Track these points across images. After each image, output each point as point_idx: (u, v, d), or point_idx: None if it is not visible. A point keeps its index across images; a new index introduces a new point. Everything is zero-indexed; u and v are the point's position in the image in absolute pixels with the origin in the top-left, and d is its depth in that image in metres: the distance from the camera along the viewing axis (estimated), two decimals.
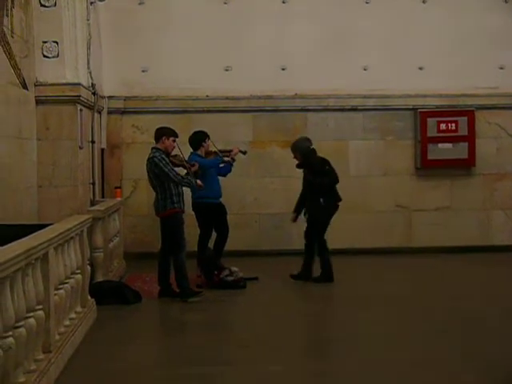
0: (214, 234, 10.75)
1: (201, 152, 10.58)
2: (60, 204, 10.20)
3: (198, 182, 9.58)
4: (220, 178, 10.90)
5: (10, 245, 5.61)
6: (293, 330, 7.97)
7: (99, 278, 9.46)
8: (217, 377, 6.34)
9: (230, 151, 10.77)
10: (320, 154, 13.04)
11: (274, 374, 6.36)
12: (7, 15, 9.05)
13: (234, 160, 10.74)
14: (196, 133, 10.79)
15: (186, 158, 9.96)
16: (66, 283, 7.06)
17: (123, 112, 12.95)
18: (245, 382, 6.27)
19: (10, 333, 5.05)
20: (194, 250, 10.48)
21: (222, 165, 10.75)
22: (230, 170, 10.89)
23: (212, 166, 10.49)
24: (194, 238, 10.62)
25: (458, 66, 13.04)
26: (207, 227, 10.66)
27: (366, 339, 7.50)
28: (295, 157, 10.87)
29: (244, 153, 10.99)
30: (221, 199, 10.72)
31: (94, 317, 8.27)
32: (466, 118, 13.18)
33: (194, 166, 9.72)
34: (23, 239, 6.00)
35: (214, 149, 10.71)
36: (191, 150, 10.51)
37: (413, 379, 6.25)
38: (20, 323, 5.28)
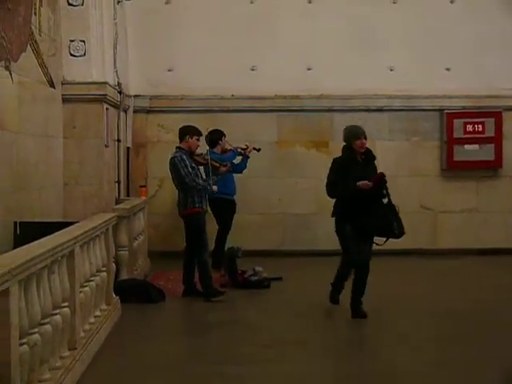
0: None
1: (217, 150, 10.81)
2: (85, 202, 10.24)
3: (214, 187, 9.53)
4: (241, 176, 11.05)
5: (36, 242, 5.64)
6: (317, 330, 7.94)
7: (124, 276, 9.49)
8: (241, 376, 6.32)
9: (246, 148, 10.94)
10: None
11: (299, 375, 6.34)
12: (35, 14, 9.10)
13: (248, 157, 10.89)
14: (212, 131, 11.01)
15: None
16: (92, 281, 7.09)
17: (149, 111, 12.99)
18: (269, 381, 6.26)
19: (36, 329, 5.07)
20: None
21: (236, 162, 10.87)
22: (245, 166, 11.11)
23: (231, 160, 10.70)
24: (211, 235, 10.68)
25: (485, 66, 12.97)
26: (225, 222, 10.85)
27: (391, 339, 7.46)
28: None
29: (258, 150, 11.18)
30: (234, 197, 10.88)
31: (119, 315, 8.30)
32: (492, 119, 13.10)
33: (225, 166, 9.74)
34: (49, 237, 6.04)
35: (229, 147, 10.89)
36: (207, 148, 10.54)
37: (436, 381, 6.21)
38: (46, 320, 5.31)
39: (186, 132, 9.50)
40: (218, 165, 9.69)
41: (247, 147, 11.02)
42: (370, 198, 8.34)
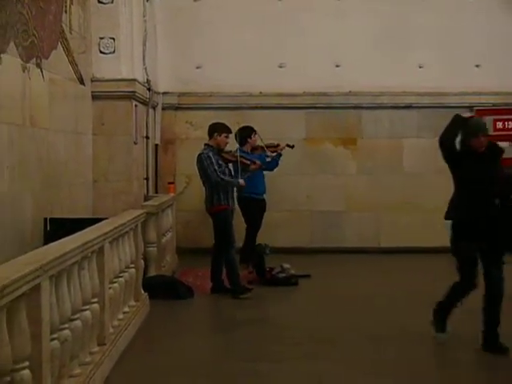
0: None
1: (246, 148, 10.73)
2: (114, 199, 10.29)
3: (241, 181, 9.53)
4: (269, 173, 11.03)
5: (66, 238, 5.69)
6: (346, 327, 7.90)
7: (152, 273, 9.52)
8: (271, 374, 6.33)
9: (277, 146, 10.89)
10: (374, 152, 13.08)
11: (329, 373, 6.33)
12: (66, 12, 9.17)
13: (280, 154, 10.85)
14: (241, 128, 10.96)
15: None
16: (121, 277, 7.13)
17: (177, 108, 13.03)
18: (299, 379, 6.25)
19: (67, 325, 5.11)
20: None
21: (268, 159, 10.83)
22: (276, 165, 11.06)
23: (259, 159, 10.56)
24: (240, 234, 10.70)
25: None
26: (254, 221, 10.85)
27: (419, 337, 7.42)
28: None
29: (291, 147, 11.09)
30: (264, 196, 10.85)
31: (147, 311, 8.34)
32: None
33: (255, 163, 9.75)
34: (79, 233, 6.08)
35: (261, 144, 10.82)
36: (237, 147, 10.55)
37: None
38: (76, 316, 5.34)
39: (215, 129, 9.52)
40: (248, 162, 9.70)
41: (278, 145, 10.93)
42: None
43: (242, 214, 11.03)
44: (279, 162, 11.08)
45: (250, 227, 10.92)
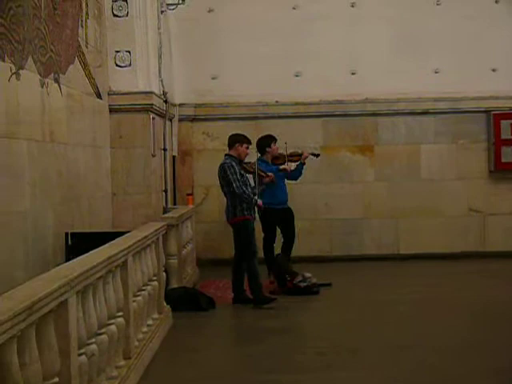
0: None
1: (266, 157, 10.69)
2: (134, 211, 10.28)
3: (259, 202, 9.53)
4: (290, 183, 10.98)
5: (90, 253, 5.69)
6: (370, 336, 7.86)
7: (174, 285, 9.51)
8: None
9: (300, 155, 10.82)
10: (392, 158, 13.05)
11: (354, 381, 6.30)
12: (82, 26, 9.19)
13: (303, 163, 10.80)
14: (261, 138, 10.96)
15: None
16: (144, 290, 7.12)
17: (194, 119, 13.06)
18: None
19: (93, 340, 5.10)
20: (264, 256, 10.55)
21: (291, 168, 10.80)
22: (300, 174, 10.96)
23: (274, 171, 10.47)
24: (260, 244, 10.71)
25: None
26: (269, 232, 10.89)
27: (442, 345, 7.38)
28: None
29: (316, 155, 11.03)
30: (286, 204, 10.77)
31: (170, 323, 8.33)
32: None
33: (268, 176, 9.73)
34: (103, 247, 6.08)
35: (284, 152, 10.76)
36: (258, 155, 10.51)
37: None
38: (102, 330, 5.34)
39: (236, 140, 9.53)
40: (264, 174, 9.70)
41: (302, 153, 10.85)
42: None
43: (261, 223, 10.99)
44: (303, 172, 10.99)
45: (264, 237, 10.85)
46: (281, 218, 10.84)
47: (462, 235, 13.02)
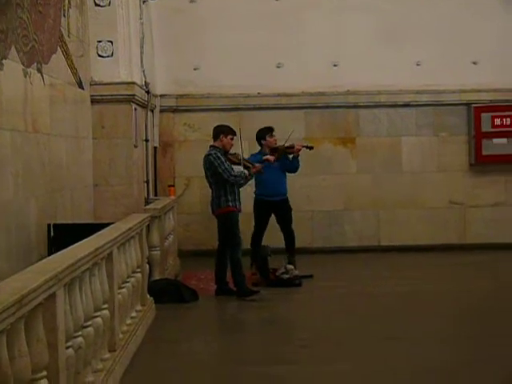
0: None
1: (264, 150, 10.67)
2: (115, 202, 10.23)
3: (257, 166, 9.57)
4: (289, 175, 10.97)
5: (76, 245, 5.65)
6: (353, 327, 7.89)
7: (156, 277, 9.47)
8: (282, 377, 6.30)
9: (292, 147, 10.69)
10: (373, 150, 13.06)
11: (339, 374, 6.30)
12: (64, 15, 9.11)
13: (297, 156, 10.73)
14: (258, 130, 10.94)
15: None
16: (128, 282, 7.09)
17: (175, 110, 12.99)
18: (309, 381, 6.22)
19: (80, 332, 5.07)
20: (247, 248, 10.51)
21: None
22: (294, 167, 10.85)
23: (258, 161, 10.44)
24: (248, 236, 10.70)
25: None
26: (258, 223, 10.85)
27: (421, 337, 7.41)
28: None
29: (310, 148, 10.88)
30: (280, 197, 10.71)
31: (153, 315, 8.30)
32: None
33: (255, 167, 9.70)
34: (89, 239, 6.03)
35: (282, 144, 10.67)
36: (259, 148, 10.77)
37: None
38: (88, 323, 5.31)
39: (221, 131, 9.50)
40: (250, 165, 9.67)
41: (293, 146, 10.72)
42: None
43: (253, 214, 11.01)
44: (299, 164, 10.87)
45: (254, 228, 10.86)
46: (273, 210, 10.76)
47: (443, 227, 13.08)
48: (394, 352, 6.95)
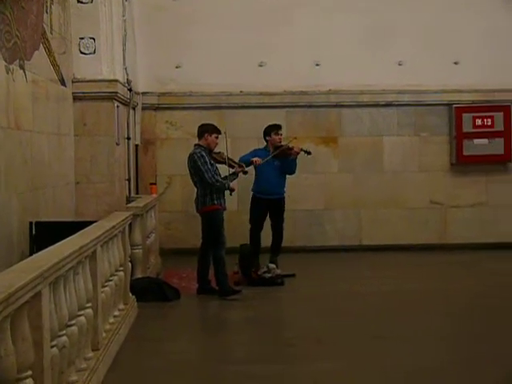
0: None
1: (269, 147, 10.62)
2: (97, 200, 10.18)
3: (231, 185, 9.50)
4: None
5: (61, 243, 5.60)
6: (336, 326, 7.90)
7: (138, 275, 9.43)
8: (267, 376, 6.27)
9: (291, 149, 10.56)
10: (355, 150, 13.07)
11: (325, 373, 6.30)
12: (46, 12, 9.04)
13: (294, 159, 10.56)
14: (266, 126, 10.84)
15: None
16: (111, 280, 7.05)
17: (157, 108, 12.93)
18: (293, 380, 6.21)
19: (64, 331, 5.03)
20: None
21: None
22: (291, 169, 10.70)
23: (246, 161, 10.38)
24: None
25: (493, 60, 12.91)
26: (254, 221, 10.72)
27: (408, 336, 7.43)
28: None
29: (308, 153, 10.65)
30: (274, 196, 10.61)
31: (136, 314, 8.26)
32: (501, 114, 13.05)
33: (241, 166, 9.68)
34: (73, 237, 6.00)
35: (285, 144, 10.60)
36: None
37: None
38: (72, 322, 5.27)
39: (206, 130, 9.47)
40: (235, 165, 9.65)
41: (292, 148, 10.53)
42: None
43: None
44: (295, 167, 10.72)
45: (251, 226, 10.77)
46: (269, 208, 10.68)
47: (424, 227, 13.12)
48: (380, 351, 6.96)
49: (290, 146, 10.60)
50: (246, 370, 6.38)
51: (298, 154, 10.58)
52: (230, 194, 9.62)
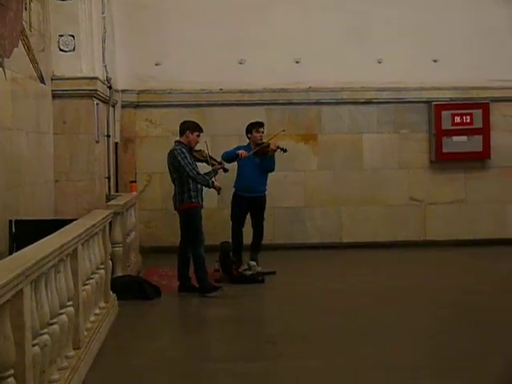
0: None
1: (251, 144, 10.61)
2: (77, 198, 10.13)
3: (216, 183, 9.48)
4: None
5: (42, 241, 5.58)
6: (318, 323, 7.92)
7: (119, 273, 9.41)
8: (250, 374, 6.26)
9: (268, 146, 10.55)
10: (335, 147, 13.10)
11: (307, 370, 6.30)
12: (26, 9, 8.98)
13: (271, 156, 10.54)
14: (248, 123, 10.84)
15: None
16: (92, 279, 7.02)
17: (137, 106, 12.89)
18: (276, 378, 6.22)
19: (46, 330, 5.00)
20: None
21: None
22: (269, 166, 10.67)
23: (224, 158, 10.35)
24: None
25: (472, 58, 12.99)
26: (234, 218, 10.72)
27: (392, 332, 7.46)
28: None
29: (284, 150, 10.60)
30: (255, 193, 10.59)
31: (116, 312, 8.23)
32: (480, 111, 13.13)
33: (221, 164, 9.67)
34: (53, 235, 5.97)
35: (265, 142, 10.59)
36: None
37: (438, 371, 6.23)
38: (54, 320, 5.24)
39: (187, 127, 9.46)
40: (215, 162, 9.64)
41: (269, 145, 10.51)
42: None
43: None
44: (273, 164, 10.70)
45: (232, 223, 10.76)
46: (250, 205, 10.66)
47: (403, 224, 13.17)
48: (362, 348, 6.97)
49: (268, 143, 10.57)
50: (227, 368, 6.38)
51: (274, 151, 10.57)
52: (218, 193, 9.66)
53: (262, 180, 10.72)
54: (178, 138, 9.53)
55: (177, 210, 9.54)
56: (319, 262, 11.77)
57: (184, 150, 9.28)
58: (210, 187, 9.49)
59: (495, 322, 7.85)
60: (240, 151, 10.23)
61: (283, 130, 11.16)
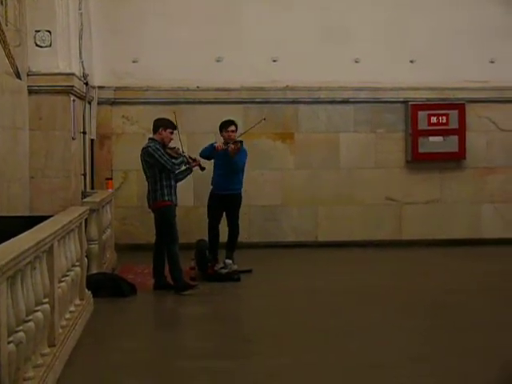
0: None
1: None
2: (52, 195, 10.09)
3: (198, 161, 9.58)
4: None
5: (18, 238, 5.53)
6: (293, 321, 7.93)
7: (94, 270, 9.36)
8: (227, 371, 6.25)
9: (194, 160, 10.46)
10: (311, 146, 13.12)
11: (283, 368, 6.31)
12: (2, 3, 8.92)
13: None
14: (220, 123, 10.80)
15: None
16: (67, 276, 6.98)
17: (113, 102, 12.82)
18: (251, 376, 6.20)
19: (21, 327, 4.96)
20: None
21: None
22: (235, 163, 10.56)
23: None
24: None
25: (449, 59, 13.05)
26: (210, 216, 10.69)
27: (369, 332, 7.48)
28: None
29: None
30: (228, 191, 10.56)
31: (91, 309, 8.19)
32: (456, 112, 13.19)
33: (195, 161, 9.67)
34: (30, 231, 5.93)
35: (231, 141, 10.53)
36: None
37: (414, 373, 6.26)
38: (29, 317, 5.20)
39: (161, 124, 9.44)
40: (190, 160, 9.64)
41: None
42: None
43: None
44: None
45: (208, 220, 10.72)
46: (224, 204, 10.62)
47: (379, 224, 13.21)
48: (337, 346, 7.00)
49: (231, 145, 10.47)
50: (202, 366, 6.37)
51: (235, 150, 10.39)
52: (201, 169, 9.76)
53: (236, 178, 10.70)
54: (151, 135, 9.51)
55: (150, 208, 9.53)
56: (295, 261, 11.78)
57: (158, 146, 9.27)
58: (190, 168, 9.60)
59: (475, 321, 7.90)
60: (217, 144, 10.23)
61: (264, 119, 11.18)
